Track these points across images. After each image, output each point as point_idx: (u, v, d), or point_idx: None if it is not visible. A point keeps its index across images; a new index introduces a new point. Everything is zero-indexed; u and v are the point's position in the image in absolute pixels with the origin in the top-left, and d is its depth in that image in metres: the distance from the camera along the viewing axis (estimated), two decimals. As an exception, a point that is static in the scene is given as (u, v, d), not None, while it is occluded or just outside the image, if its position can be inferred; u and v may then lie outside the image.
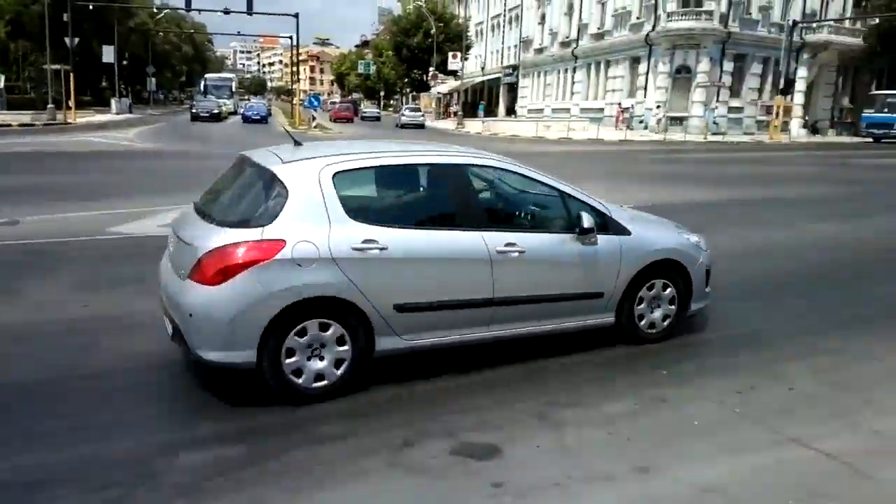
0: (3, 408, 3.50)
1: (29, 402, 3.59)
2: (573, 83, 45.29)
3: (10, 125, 28.93)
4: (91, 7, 42.21)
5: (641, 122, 36.37)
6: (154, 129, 29.96)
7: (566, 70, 46.61)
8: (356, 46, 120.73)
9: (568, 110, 43.94)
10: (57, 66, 35.26)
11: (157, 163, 17.75)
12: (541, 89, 50.88)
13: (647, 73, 36.41)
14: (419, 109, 47.90)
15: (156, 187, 11.94)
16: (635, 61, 38.06)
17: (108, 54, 43.06)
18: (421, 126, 41.64)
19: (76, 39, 36.86)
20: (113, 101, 45.50)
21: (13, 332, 4.61)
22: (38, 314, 4.99)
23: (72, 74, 35.06)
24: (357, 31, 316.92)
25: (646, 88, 36.56)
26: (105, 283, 5.83)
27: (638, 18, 37.78)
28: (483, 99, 58.91)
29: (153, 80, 60.65)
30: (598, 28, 42.17)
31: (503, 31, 58.63)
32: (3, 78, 39.32)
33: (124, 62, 50.78)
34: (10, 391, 3.71)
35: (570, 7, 46.09)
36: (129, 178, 13.79)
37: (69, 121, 32.39)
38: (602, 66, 41.71)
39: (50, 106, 32.68)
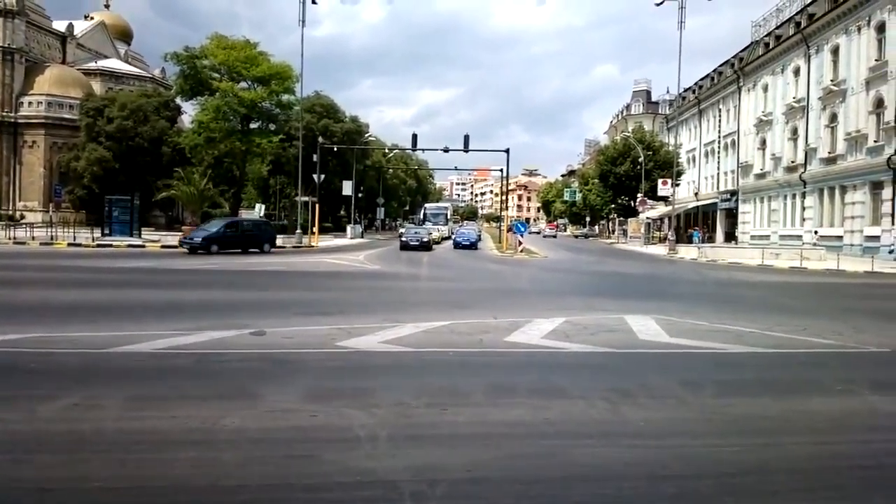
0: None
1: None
2: (803, 209, 41.75)
3: (265, 247, 33.83)
4: (336, 149, 49.50)
5: (891, 252, 31.89)
6: (379, 253, 32.90)
7: (794, 195, 43.31)
8: (562, 175, 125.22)
9: (799, 237, 40.30)
10: (306, 198, 41.20)
11: (380, 283, 19.29)
12: (765, 215, 47.58)
13: (893, 198, 32.40)
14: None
15: (378, 306, 12.87)
16: (876, 186, 34.24)
17: (347, 188, 49.72)
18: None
19: (322, 176, 43.18)
20: (348, 228, 51.68)
21: (250, 435, 5.00)
22: (272, 420, 5.39)
23: (317, 205, 40.74)
24: (563, 161, 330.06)
25: (893, 216, 32.33)
26: (330, 395, 6.20)
27: (875, 142, 34.43)
28: (697, 224, 56.64)
29: (382, 209, 67.97)
30: (829, 152, 39.01)
31: (718, 157, 56.81)
32: (263, 207, 46.85)
33: (360, 194, 57.98)
34: (241, 493, 3.95)
35: (795, 131, 43.52)
36: (357, 297, 15.11)
37: (312, 244, 37.15)
38: (836, 192, 38.08)
39: (298, 231, 37.88)
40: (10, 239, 32.57)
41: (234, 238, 29.70)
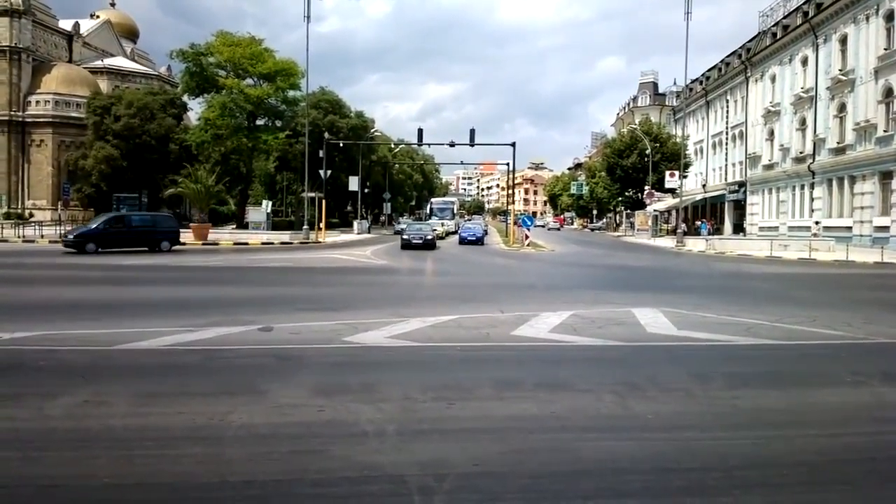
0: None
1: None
2: (812, 200, 41.52)
3: (272, 243, 34.10)
4: (342, 145, 49.47)
5: (902, 241, 31.67)
6: (386, 248, 32.85)
7: (802, 186, 43.07)
8: (569, 169, 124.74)
9: (808, 228, 40.13)
10: (312, 194, 41.22)
11: (387, 278, 19.30)
12: (773, 206, 47.32)
13: (904, 188, 32.23)
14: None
15: (384, 301, 12.88)
16: (885, 176, 33.98)
17: (354, 183, 49.67)
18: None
19: (329, 172, 43.18)
20: (355, 223, 51.73)
21: (257, 431, 5.01)
22: (279, 416, 5.40)
23: (324, 201, 40.75)
24: (569, 154, 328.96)
25: (904, 205, 32.16)
26: (337, 390, 6.20)
27: (885, 132, 34.14)
28: (705, 216, 56.41)
29: (388, 204, 67.94)
30: (838, 142, 38.72)
31: (726, 148, 56.46)
32: (270, 204, 46.94)
33: (366, 189, 57.96)
34: (248, 489, 3.95)
35: (803, 122, 43.21)
36: (363, 292, 15.12)
37: (319, 240, 37.22)
38: (845, 182, 37.82)
39: (305, 227, 37.94)
40: (19, 237, 32.81)
41: (119, 235, 26.13)
